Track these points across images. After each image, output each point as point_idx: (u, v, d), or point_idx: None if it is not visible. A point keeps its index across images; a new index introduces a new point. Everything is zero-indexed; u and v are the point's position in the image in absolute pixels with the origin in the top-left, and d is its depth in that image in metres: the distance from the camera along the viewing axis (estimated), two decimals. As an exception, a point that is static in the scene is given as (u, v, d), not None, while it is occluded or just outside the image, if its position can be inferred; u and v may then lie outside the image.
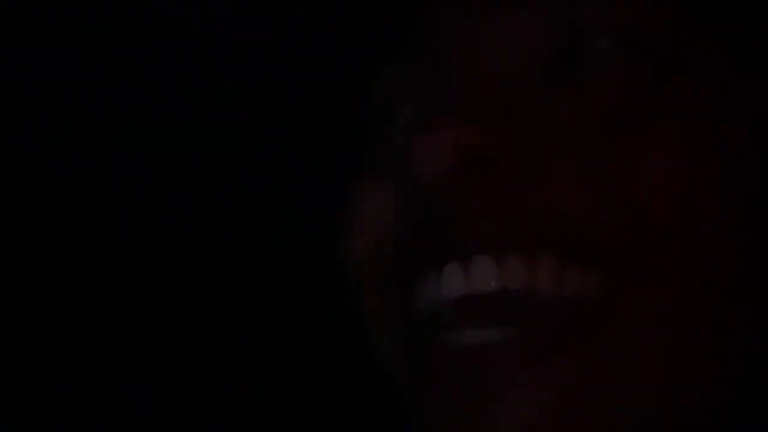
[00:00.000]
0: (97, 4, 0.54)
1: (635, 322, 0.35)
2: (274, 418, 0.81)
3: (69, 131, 0.65)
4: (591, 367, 0.35)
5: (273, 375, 0.82)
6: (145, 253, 0.76)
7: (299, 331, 0.79)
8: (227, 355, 0.82)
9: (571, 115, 0.36)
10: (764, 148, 0.38)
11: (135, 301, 0.78)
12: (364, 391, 0.67)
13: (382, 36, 0.43)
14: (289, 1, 0.53)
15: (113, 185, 0.70)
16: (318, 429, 0.79)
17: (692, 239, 0.35)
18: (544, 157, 0.36)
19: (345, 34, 0.48)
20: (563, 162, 0.36)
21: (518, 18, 0.38)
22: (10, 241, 0.73)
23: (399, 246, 0.39)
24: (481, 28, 0.38)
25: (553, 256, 0.36)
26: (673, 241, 0.35)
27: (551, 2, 0.38)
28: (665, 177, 0.35)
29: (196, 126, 0.64)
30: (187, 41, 0.56)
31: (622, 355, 0.35)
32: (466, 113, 0.36)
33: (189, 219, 0.73)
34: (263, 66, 0.56)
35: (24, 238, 0.74)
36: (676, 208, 0.35)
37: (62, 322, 0.76)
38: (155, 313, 0.78)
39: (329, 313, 0.69)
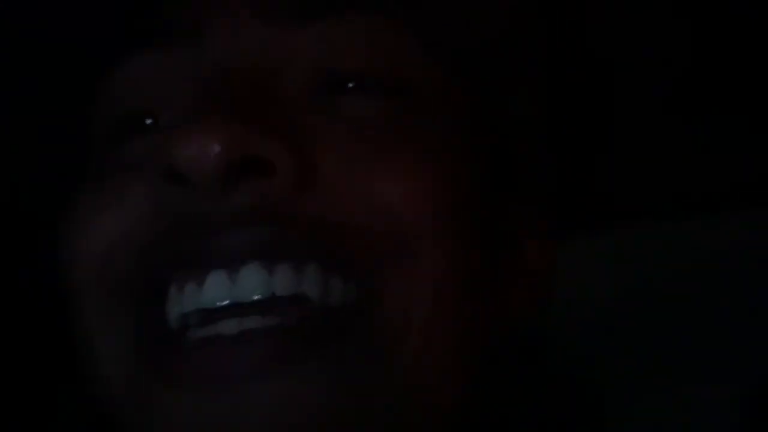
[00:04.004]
0: None
1: (385, 330, 0.36)
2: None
3: None
4: (337, 371, 0.35)
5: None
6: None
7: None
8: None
9: (339, 131, 0.38)
10: (492, 169, 0.42)
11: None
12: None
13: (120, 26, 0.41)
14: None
15: None
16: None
17: (433, 255, 0.37)
18: (317, 169, 0.36)
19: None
20: (334, 174, 0.37)
21: (295, 36, 0.39)
22: None
23: (143, 250, 0.37)
24: (257, 34, 0.39)
25: (319, 265, 0.36)
26: (419, 254, 0.37)
27: (321, 42, 0.39)
28: (410, 196, 0.37)
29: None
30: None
31: (370, 360, 0.36)
32: (241, 112, 0.35)
33: None
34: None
35: None
36: (419, 224, 0.37)
37: None
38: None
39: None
